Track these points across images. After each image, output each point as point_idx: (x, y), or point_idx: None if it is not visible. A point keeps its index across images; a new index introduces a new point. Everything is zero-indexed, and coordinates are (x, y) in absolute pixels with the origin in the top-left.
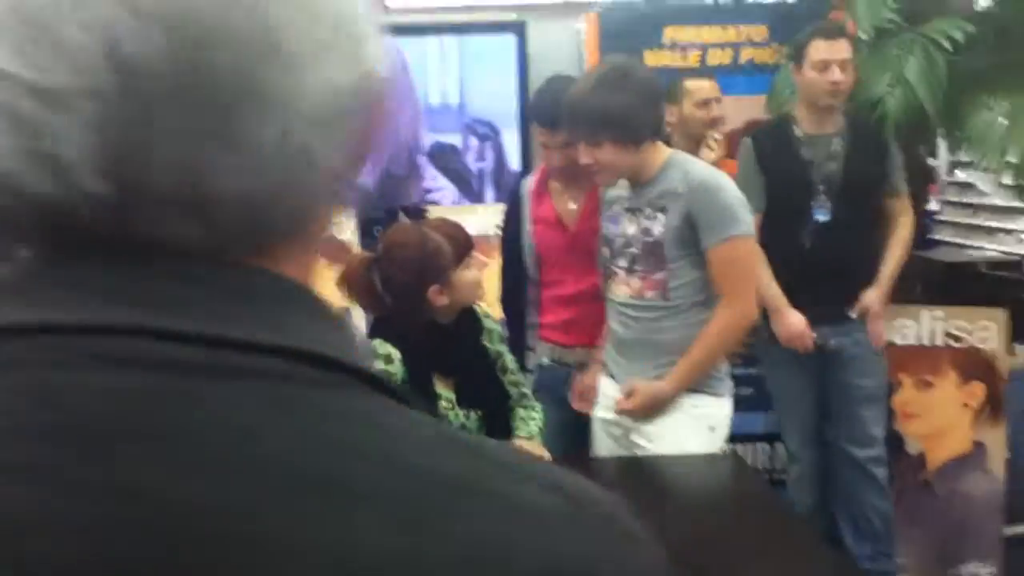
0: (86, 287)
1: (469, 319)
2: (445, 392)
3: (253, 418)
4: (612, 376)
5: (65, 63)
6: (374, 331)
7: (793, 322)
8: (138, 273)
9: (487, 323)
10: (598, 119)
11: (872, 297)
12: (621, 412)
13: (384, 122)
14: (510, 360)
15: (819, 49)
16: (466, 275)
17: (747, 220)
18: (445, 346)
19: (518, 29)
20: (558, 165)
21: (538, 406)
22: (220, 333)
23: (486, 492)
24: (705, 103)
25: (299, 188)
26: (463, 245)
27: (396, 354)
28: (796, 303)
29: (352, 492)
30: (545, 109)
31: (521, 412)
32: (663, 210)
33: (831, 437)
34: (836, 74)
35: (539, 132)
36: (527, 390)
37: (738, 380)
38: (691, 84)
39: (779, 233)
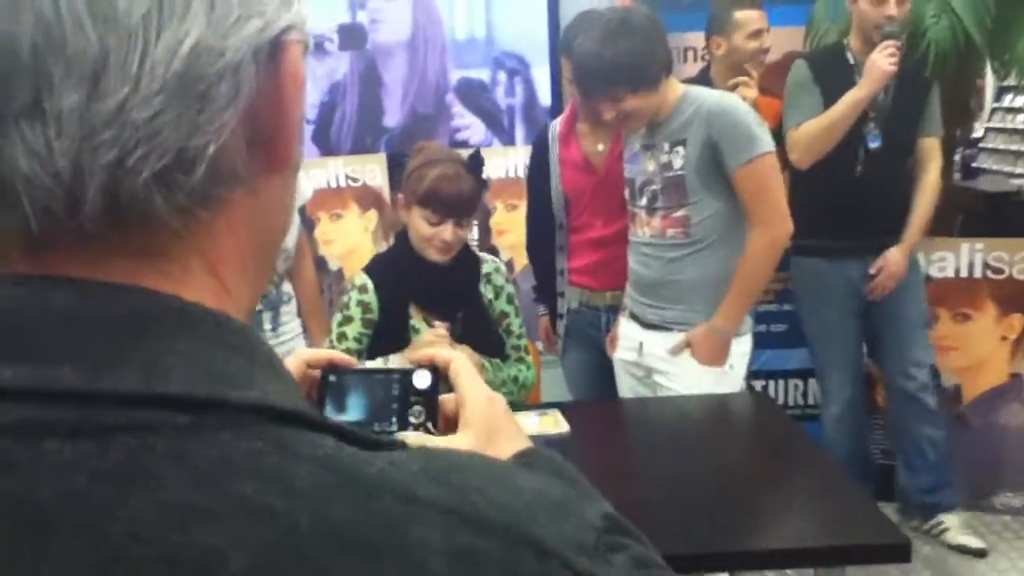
0: None
1: (468, 265)
2: (421, 324)
3: (96, 488)
4: (634, 317)
5: None
6: (370, 264)
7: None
8: None
9: (495, 278)
10: (612, 73)
11: (895, 257)
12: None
13: (293, 95)
14: (516, 324)
15: None
16: (418, 222)
17: (767, 139)
18: (432, 284)
19: None
20: (574, 99)
21: (529, 359)
22: (72, 387)
23: (368, 546)
24: (756, 33)
25: (140, 168)
26: (431, 195)
27: (370, 284)
28: (846, 230)
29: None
30: (562, 40)
31: (512, 369)
32: (682, 143)
33: (882, 370)
34: (891, 7)
35: (567, 67)
36: (526, 355)
37: (770, 317)
38: (742, 15)
39: (830, 159)
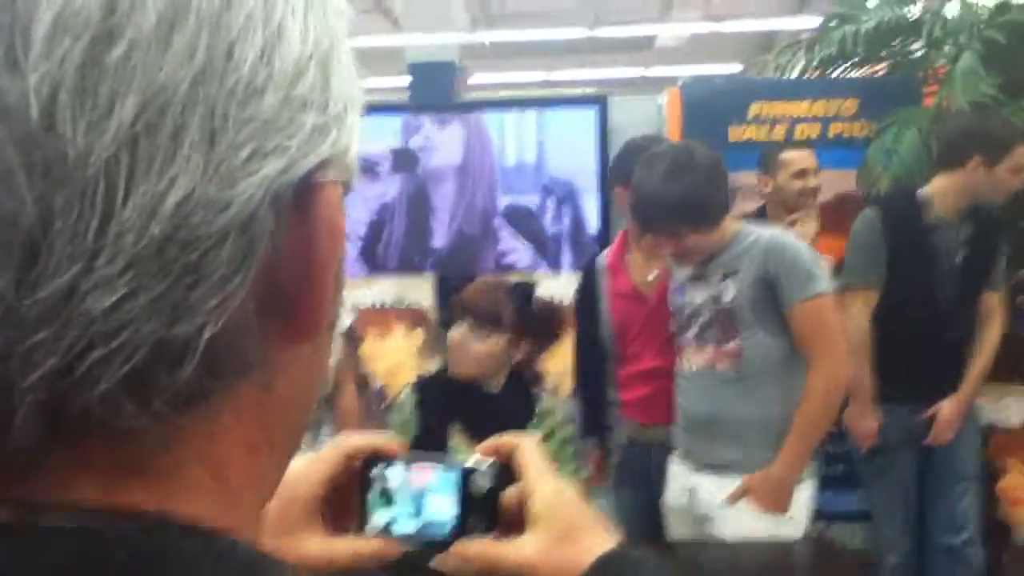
0: None
1: (520, 397)
2: (461, 447)
3: None
4: (684, 458)
5: None
6: (419, 380)
7: (870, 426)
8: None
9: (549, 419)
10: (673, 210)
11: (949, 408)
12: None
13: (329, 248)
14: (567, 470)
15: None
16: (453, 334)
17: (826, 278)
18: (479, 410)
19: (599, 103)
20: (630, 226)
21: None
22: None
23: None
24: (802, 173)
25: (100, 372)
26: (464, 306)
27: (409, 404)
28: (905, 376)
29: None
30: (627, 168)
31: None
32: (735, 274)
33: (927, 524)
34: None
35: (620, 193)
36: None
37: (828, 457)
38: (787, 155)
39: (896, 311)
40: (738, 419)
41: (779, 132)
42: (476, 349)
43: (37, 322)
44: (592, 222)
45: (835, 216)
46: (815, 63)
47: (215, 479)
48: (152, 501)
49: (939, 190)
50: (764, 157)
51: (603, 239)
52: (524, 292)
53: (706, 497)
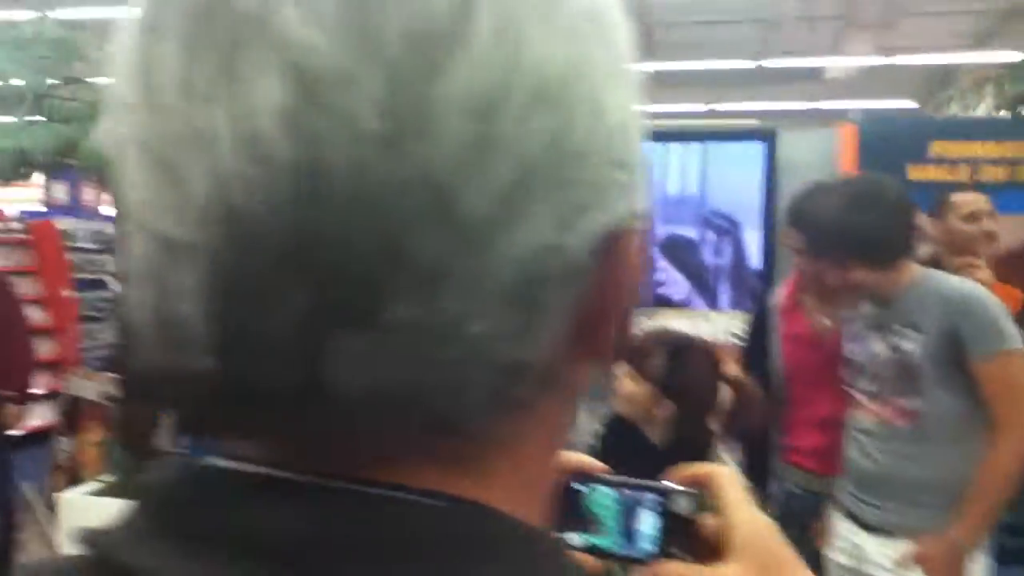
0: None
1: (684, 457)
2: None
3: None
4: (852, 516)
5: (179, 210)
6: (603, 423)
7: None
8: (228, 512)
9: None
10: (846, 241)
11: None
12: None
13: (629, 285)
14: None
15: None
16: (625, 383)
17: (1016, 334)
18: (641, 464)
19: (767, 137)
20: (811, 272)
21: None
22: None
23: None
24: (973, 216)
25: (467, 384)
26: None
27: (592, 431)
28: None
29: None
30: (793, 210)
31: None
32: (917, 327)
33: None
34: None
35: (790, 235)
36: None
37: (1006, 528)
38: (957, 197)
39: None
40: (913, 480)
41: (963, 173)
42: (626, 389)
43: (436, 342)
44: (754, 258)
45: (1019, 265)
46: (1003, 102)
47: (519, 477)
48: (473, 491)
49: None
50: (936, 199)
51: (764, 276)
52: (676, 349)
53: (874, 558)
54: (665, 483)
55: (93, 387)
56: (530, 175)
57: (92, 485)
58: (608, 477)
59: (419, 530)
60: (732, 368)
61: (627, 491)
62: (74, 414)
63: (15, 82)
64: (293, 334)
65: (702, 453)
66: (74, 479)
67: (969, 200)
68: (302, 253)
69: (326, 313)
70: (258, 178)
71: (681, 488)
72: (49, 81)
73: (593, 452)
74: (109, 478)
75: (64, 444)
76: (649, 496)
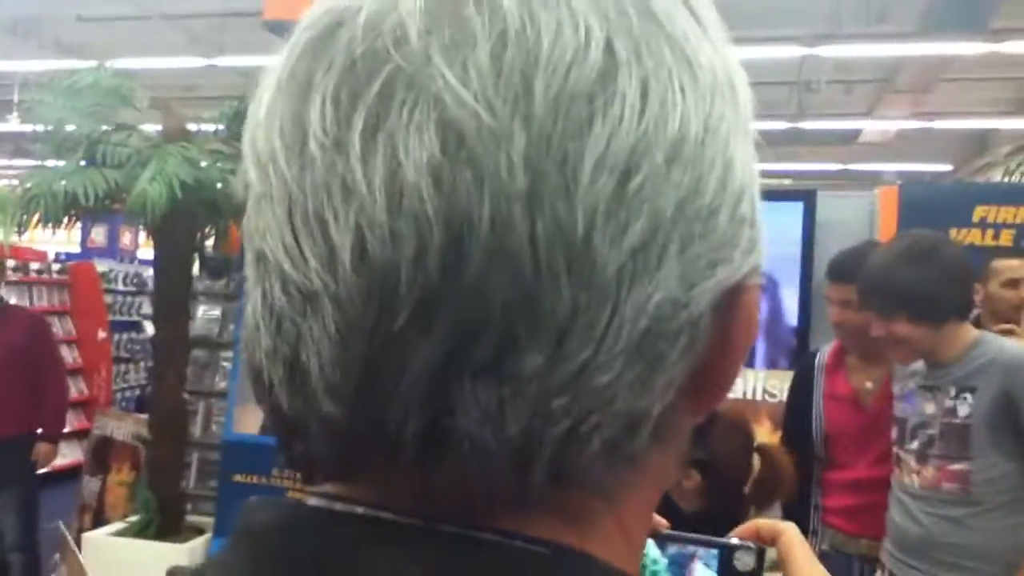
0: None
1: (721, 518)
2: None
3: None
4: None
5: (318, 259)
6: None
7: None
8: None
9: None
10: (893, 292)
11: None
12: None
13: (744, 342)
14: None
15: None
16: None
17: None
18: (674, 523)
19: (807, 198)
20: (847, 324)
21: None
22: None
23: None
24: (1014, 283)
25: (586, 435)
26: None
27: None
28: None
29: None
30: (845, 264)
31: None
32: (972, 390)
33: None
34: None
35: (836, 289)
36: None
37: None
38: (999, 263)
39: None
40: (963, 546)
41: (1006, 238)
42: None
43: (560, 391)
44: (790, 315)
45: None
46: None
47: (620, 528)
48: (578, 541)
49: None
50: (979, 265)
51: (802, 334)
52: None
53: None
54: (729, 539)
55: (123, 427)
56: (663, 231)
57: (117, 525)
58: (670, 532)
59: None
60: (766, 428)
61: (689, 546)
62: (103, 454)
63: (69, 128)
64: (423, 382)
65: (735, 521)
66: (99, 519)
67: (1011, 266)
68: (440, 305)
69: (457, 363)
70: (402, 230)
71: (744, 544)
72: (102, 128)
73: None
74: (134, 518)
75: (91, 483)
76: (712, 551)
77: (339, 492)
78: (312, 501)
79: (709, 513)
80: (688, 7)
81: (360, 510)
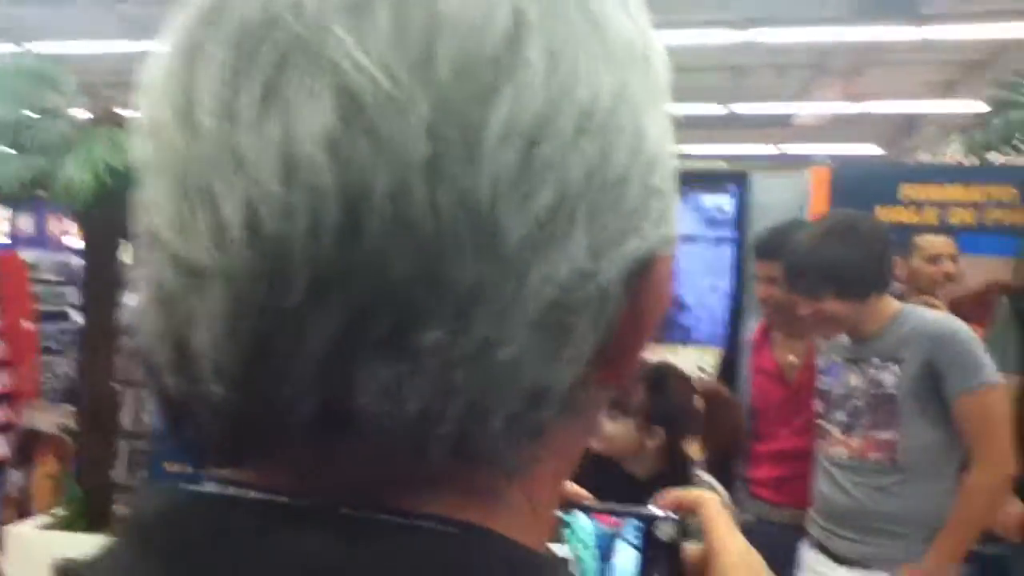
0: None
1: (672, 481)
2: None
3: None
4: (821, 547)
5: (208, 234)
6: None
7: (1018, 514)
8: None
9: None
10: (819, 272)
11: None
12: None
13: (654, 314)
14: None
15: None
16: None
17: (994, 368)
18: (622, 491)
19: (740, 179)
20: (772, 301)
21: None
22: None
23: None
24: (935, 258)
25: (490, 410)
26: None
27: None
28: None
29: None
30: (774, 243)
31: None
32: (898, 361)
33: None
34: None
35: (763, 267)
36: None
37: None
38: (921, 239)
39: None
40: (889, 513)
41: (930, 215)
42: (605, 427)
43: (460, 367)
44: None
45: (985, 306)
46: (973, 148)
47: (527, 503)
48: (485, 518)
49: None
50: (903, 240)
51: (735, 313)
52: (656, 377)
53: None
54: (649, 509)
55: (50, 419)
56: (570, 201)
57: (42, 519)
58: (591, 504)
59: (430, 558)
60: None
61: (610, 516)
62: (29, 447)
63: None
64: (319, 361)
65: (685, 481)
66: (23, 512)
67: (932, 242)
68: (337, 279)
69: (356, 340)
70: (297, 203)
71: (665, 514)
72: (25, 112)
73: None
74: (60, 512)
75: (15, 477)
76: (633, 521)
77: (234, 477)
78: (206, 487)
79: (665, 476)
80: None
81: (253, 494)
